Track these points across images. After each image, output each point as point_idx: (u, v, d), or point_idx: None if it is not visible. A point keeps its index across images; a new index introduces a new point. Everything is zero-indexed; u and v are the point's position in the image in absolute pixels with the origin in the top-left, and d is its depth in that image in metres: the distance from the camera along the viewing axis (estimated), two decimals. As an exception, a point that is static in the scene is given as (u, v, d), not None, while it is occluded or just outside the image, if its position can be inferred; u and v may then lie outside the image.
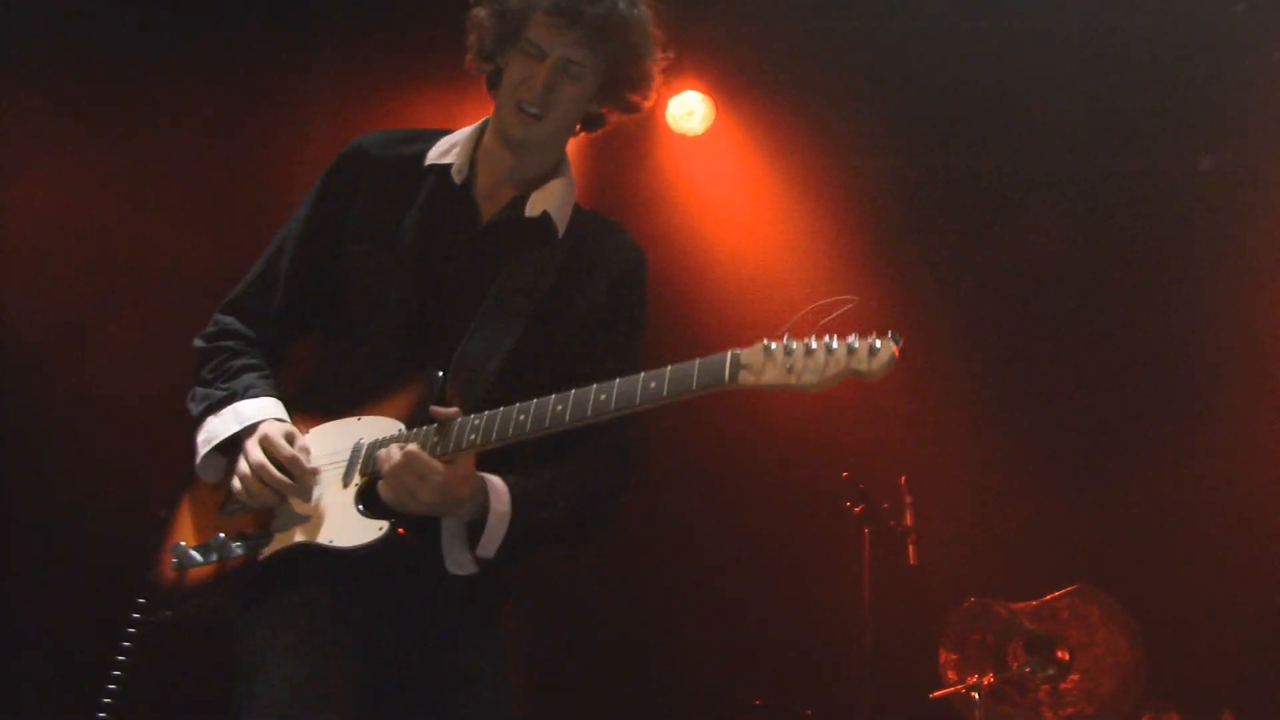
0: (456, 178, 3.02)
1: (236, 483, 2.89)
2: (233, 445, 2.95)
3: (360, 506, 2.81)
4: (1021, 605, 5.56)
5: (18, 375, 5.70)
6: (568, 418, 2.68)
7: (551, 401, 2.70)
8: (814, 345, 2.51)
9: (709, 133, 6.67)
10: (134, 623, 3.05)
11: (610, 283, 3.04)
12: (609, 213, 3.16)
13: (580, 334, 2.97)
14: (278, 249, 3.13)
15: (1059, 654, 5.42)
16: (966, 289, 6.57)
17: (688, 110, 6.62)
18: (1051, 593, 5.58)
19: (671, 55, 6.67)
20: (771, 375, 2.53)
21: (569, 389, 2.73)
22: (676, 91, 6.58)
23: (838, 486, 5.70)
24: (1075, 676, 5.40)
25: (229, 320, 3.11)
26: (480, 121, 3.10)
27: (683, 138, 6.70)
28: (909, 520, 5.61)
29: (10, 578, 5.65)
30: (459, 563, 2.88)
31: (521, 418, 2.71)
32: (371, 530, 2.77)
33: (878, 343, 2.48)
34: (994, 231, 6.61)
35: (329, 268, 3.04)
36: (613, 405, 2.64)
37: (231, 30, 5.98)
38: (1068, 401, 6.46)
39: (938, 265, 6.57)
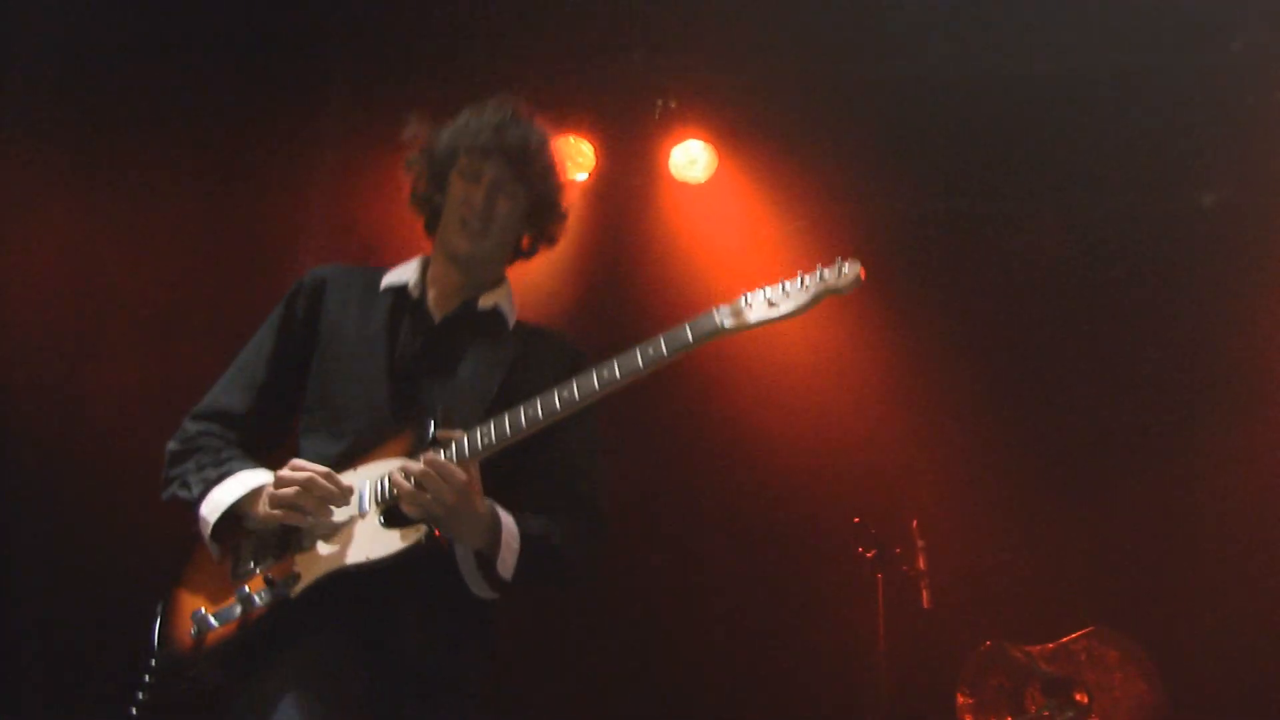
0: (413, 293, 3.37)
1: (264, 505, 3.08)
2: (232, 522, 3.15)
3: (382, 520, 3.02)
4: (1037, 648, 5.51)
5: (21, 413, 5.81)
6: (578, 397, 2.95)
7: (556, 390, 2.98)
8: (788, 283, 2.89)
9: (712, 181, 6.69)
10: (151, 702, 3.13)
11: (558, 371, 3.20)
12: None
13: None
14: (246, 360, 3.41)
15: (1077, 696, 5.36)
16: (973, 331, 6.56)
17: (690, 159, 6.65)
18: (1067, 634, 5.54)
19: (673, 105, 6.82)
20: (756, 315, 2.89)
21: (532, 468, 3.16)
22: (679, 140, 6.61)
23: (850, 532, 5.67)
24: (1095, 718, 5.34)
25: (203, 424, 3.34)
26: (423, 257, 3.45)
27: (686, 186, 6.73)
28: (922, 564, 5.57)
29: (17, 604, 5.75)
30: (480, 586, 3.12)
31: (530, 411, 2.99)
32: (409, 537, 2.98)
33: (845, 264, 2.89)
34: (1000, 272, 6.60)
35: (299, 374, 3.35)
36: (619, 375, 2.93)
37: (238, 82, 6.07)
38: (1079, 441, 6.43)
39: (943, 307, 6.57)
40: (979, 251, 6.64)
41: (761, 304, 2.87)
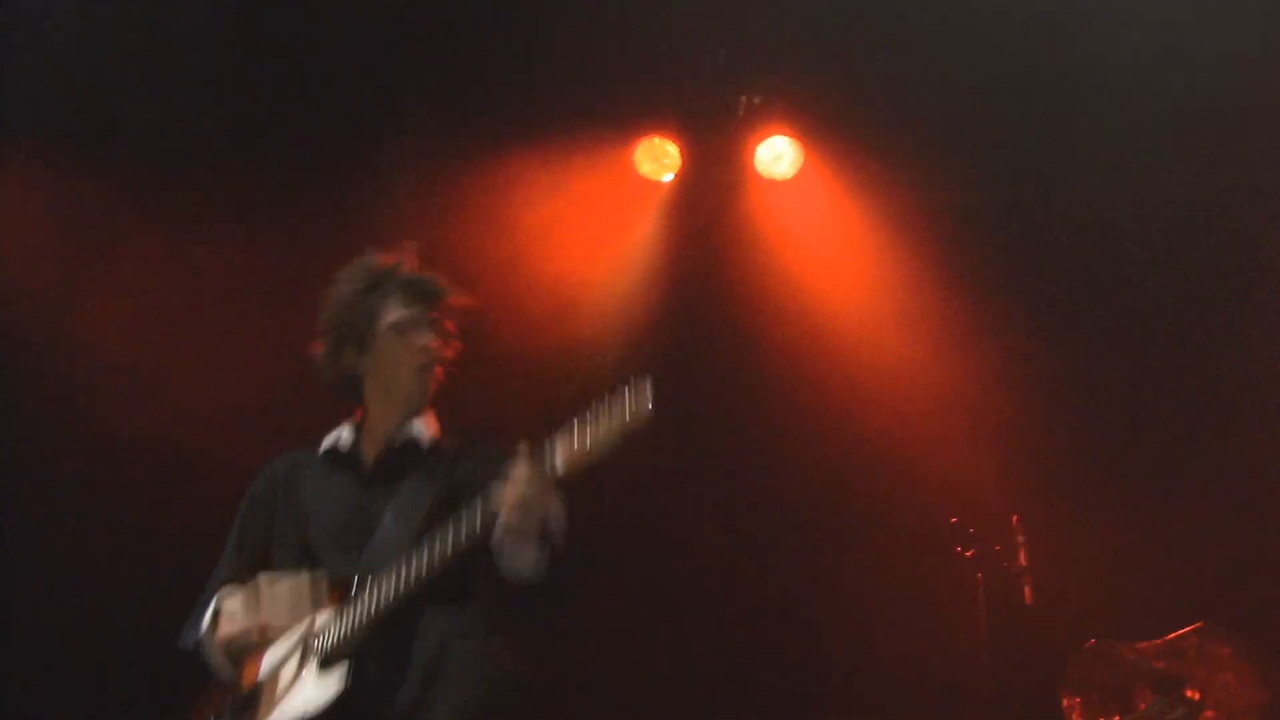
0: (344, 448, 3.76)
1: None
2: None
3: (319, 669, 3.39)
4: (1146, 644, 5.38)
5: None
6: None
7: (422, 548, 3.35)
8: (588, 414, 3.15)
9: (798, 176, 6.65)
10: None
11: (489, 472, 3.42)
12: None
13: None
14: (229, 547, 3.86)
15: (1188, 693, 5.23)
16: (1068, 321, 6.44)
17: (776, 155, 6.62)
18: (1174, 630, 5.40)
19: (756, 101, 6.84)
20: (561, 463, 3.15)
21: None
22: (764, 137, 6.58)
23: (948, 531, 5.60)
24: (1209, 713, 5.20)
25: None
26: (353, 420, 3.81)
27: (771, 182, 6.69)
28: (1023, 560, 5.48)
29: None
30: (525, 560, 3.33)
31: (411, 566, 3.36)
32: (337, 677, 3.36)
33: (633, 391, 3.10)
34: (1098, 260, 6.44)
35: (265, 547, 3.77)
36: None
37: (310, 112, 6.24)
38: (1182, 429, 6.27)
39: (1036, 298, 6.45)
40: (1074, 240, 6.48)
41: (568, 447, 3.12)
